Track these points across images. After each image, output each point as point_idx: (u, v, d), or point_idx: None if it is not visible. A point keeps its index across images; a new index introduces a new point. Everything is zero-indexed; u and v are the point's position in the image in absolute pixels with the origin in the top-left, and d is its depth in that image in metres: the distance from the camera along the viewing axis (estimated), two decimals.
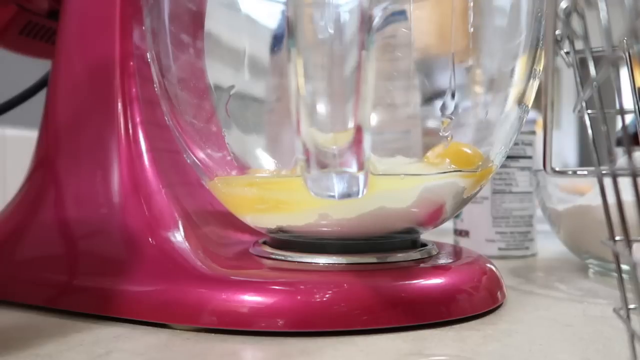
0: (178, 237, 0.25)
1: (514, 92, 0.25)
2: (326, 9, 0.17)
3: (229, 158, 0.26)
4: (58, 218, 0.27)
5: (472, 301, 0.24)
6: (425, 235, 0.29)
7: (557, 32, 0.21)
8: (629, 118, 0.22)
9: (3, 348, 0.20)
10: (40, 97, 0.34)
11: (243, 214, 0.27)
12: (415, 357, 0.19)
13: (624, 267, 0.18)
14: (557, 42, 0.21)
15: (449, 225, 0.41)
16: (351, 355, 0.19)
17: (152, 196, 0.26)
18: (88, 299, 0.24)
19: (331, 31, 0.17)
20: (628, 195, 0.13)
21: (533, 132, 0.43)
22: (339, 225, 0.24)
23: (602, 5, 0.15)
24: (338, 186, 0.18)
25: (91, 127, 0.28)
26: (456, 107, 0.25)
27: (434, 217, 0.26)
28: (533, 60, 0.25)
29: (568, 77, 0.28)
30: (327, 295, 0.21)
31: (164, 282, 0.23)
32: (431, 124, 0.27)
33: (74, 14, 0.30)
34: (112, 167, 0.27)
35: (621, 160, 0.33)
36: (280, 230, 0.26)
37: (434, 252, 0.27)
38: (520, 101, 0.26)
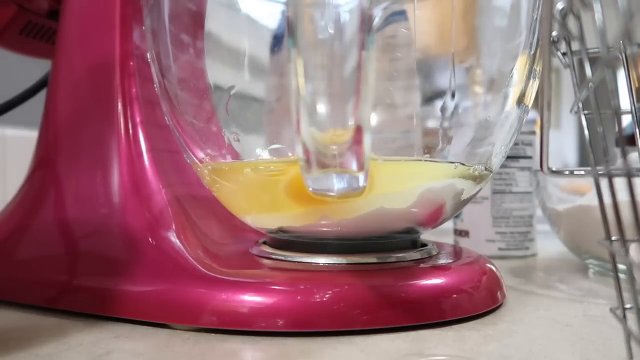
0: (178, 237, 0.25)
1: (514, 92, 0.25)
2: (326, 9, 0.17)
3: (229, 158, 0.26)
4: (58, 218, 0.27)
5: (472, 301, 0.24)
6: (425, 235, 0.29)
7: (554, 33, 0.21)
8: (627, 119, 0.22)
9: (3, 348, 0.20)
10: (40, 97, 0.34)
11: (243, 214, 0.27)
12: (415, 357, 0.19)
13: (621, 266, 0.18)
14: (554, 43, 0.21)
15: (449, 225, 0.41)
16: (351, 355, 0.19)
17: (152, 196, 0.26)
18: (88, 299, 0.24)
19: (331, 31, 0.17)
20: (624, 195, 0.13)
21: (533, 132, 0.43)
22: (339, 225, 0.24)
23: (597, 7, 0.15)
24: (338, 186, 0.18)
25: (91, 127, 0.28)
26: (456, 107, 0.25)
27: (434, 218, 0.26)
28: (533, 60, 0.25)
29: (569, 77, 0.28)
30: (327, 295, 0.21)
31: (164, 282, 0.23)
32: (431, 124, 0.27)
33: (74, 14, 0.30)
34: (112, 167, 0.27)
35: (619, 160, 0.33)
36: (280, 230, 0.26)
37: (434, 252, 0.27)
38: (520, 101, 0.26)
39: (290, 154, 0.26)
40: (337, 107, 0.17)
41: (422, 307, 0.22)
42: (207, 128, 0.27)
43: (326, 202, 0.22)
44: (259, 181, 0.25)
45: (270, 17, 0.27)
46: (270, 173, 0.24)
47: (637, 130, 0.20)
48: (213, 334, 0.21)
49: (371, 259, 0.24)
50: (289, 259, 0.25)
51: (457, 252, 0.28)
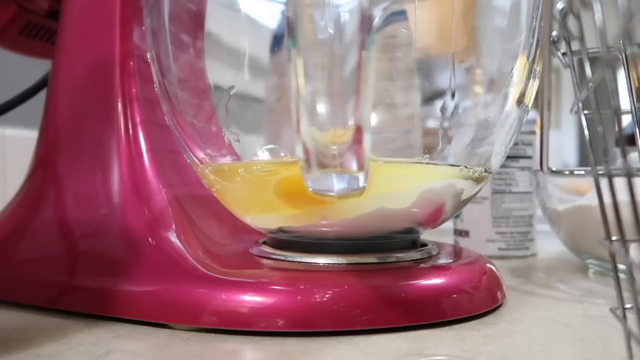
0: (178, 237, 0.25)
1: (514, 92, 0.25)
2: (326, 9, 0.17)
3: (229, 158, 0.26)
4: (58, 218, 0.27)
5: (472, 301, 0.24)
6: (425, 235, 0.29)
7: (554, 33, 0.21)
8: (627, 119, 0.22)
9: (3, 348, 0.20)
10: (40, 97, 0.34)
11: (243, 214, 0.27)
12: (415, 357, 0.19)
13: (621, 266, 0.18)
14: (554, 43, 0.21)
15: (449, 225, 0.41)
16: (351, 355, 0.19)
17: (152, 196, 0.26)
18: (88, 299, 0.24)
19: (331, 31, 0.17)
20: (624, 195, 0.13)
21: (533, 132, 0.43)
22: (339, 225, 0.24)
23: (597, 7, 0.15)
24: (338, 186, 0.18)
25: (91, 127, 0.28)
26: (456, 107, 0.25)
27: (434, 218, 0.26)
28: (533, 60, 0.25)
29: (569, 77, 0.28)
30: (327, 295, 0.21)
31: (164, 282, 0.23)
32: (431, 124, 0.27)
33: (74, 14, 0.30)
34: (112, 167, 0.27)
35: (619, 160, 0.33)
36: (280, 230, 0.26)
37: (434, 252, 0.27)
38: (520, 101, 0.26)
39: (282, 154, 0.26)
40: (337, 107, 0.17)
41: (422, 307, 0.22)
42: (207, 128, 0.27)
43: (316, 203, 0.22)
44: (254, 182, 0.25)
45: (270, 17, 0.27)
46: (263, 174, 0.24)
47: (637, 130, 0.20)
48: (213, 334, 0.21)
49: (371, 259, 0.24)
50: (289, 259, 0.25)
51: (457, 252, 0.28)
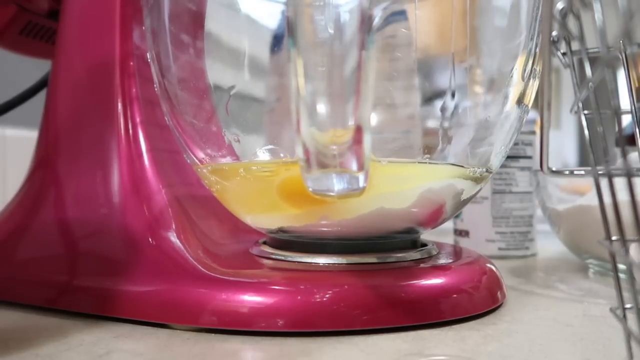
0: (178, 237, 0.25)
1: (514, 92, 0.25)
2: (326, 9, 0.17)
3: (228, 158, 0.26)
4: (58, 218, 0.27)
5: (472, 301, 0.24)
6: (425, 235, 0.29)
7: (554, 33, 0.21)
8: (627, 119, 0.22)
9: (3, 348, 0.20)
10: (40, 97, 0.34)
11: (243, 214, 0.27)
12: (415, 357, 0.19)
13: (621, 266, 0.18)
14: (554, 43, 0.21)
15: (449, 225, 0.41)
16: (351, 355, 0.19)
17: (152, 196, 0.26)
18: (88, 299, 0.24)
19: (331, 31, 0.17)
20: (624, 195, 0.13)
21: (533, 132, 0.43)
22: (339, 225, 0.24)
23: (597, 7, 0.15)
24: (338, 186, 0.18)
25: (91, 127, 0.28)
26: (456, 107, 0.25)
27: (434, 218, 0.26)
28: (533, 60, 0.25)
29: (569, 77, 0.28)
30: (327, 295, 0.21)
31: (164, 282, 0.23)
32: (431, 124, 0.27)
33: (74, 14, 0.30)
34: (112, 167, 0.27)
35: (619, 160, 0.33)
36: (280, 230, 0.26)
37: (434, 252, 0.27)
38: (520, 101, 0.26)
39: (282, 155, 0.26)
40: (337, 107, 0.17)
41: (422, 307, 0.22)
42: (207, 128, 0.27)
43: (319, 203, 0.22)
44: (254, 182, 0.25)
45: (270, 17, 0.27)
46: (263, 174, 0.24)
47: (637, 130, 0.20)
48: (213, 334, 0.21)
49: (371, 259, 0.24)
50: (289, 259, 0.25)
51: (457, 252, 0.28)
